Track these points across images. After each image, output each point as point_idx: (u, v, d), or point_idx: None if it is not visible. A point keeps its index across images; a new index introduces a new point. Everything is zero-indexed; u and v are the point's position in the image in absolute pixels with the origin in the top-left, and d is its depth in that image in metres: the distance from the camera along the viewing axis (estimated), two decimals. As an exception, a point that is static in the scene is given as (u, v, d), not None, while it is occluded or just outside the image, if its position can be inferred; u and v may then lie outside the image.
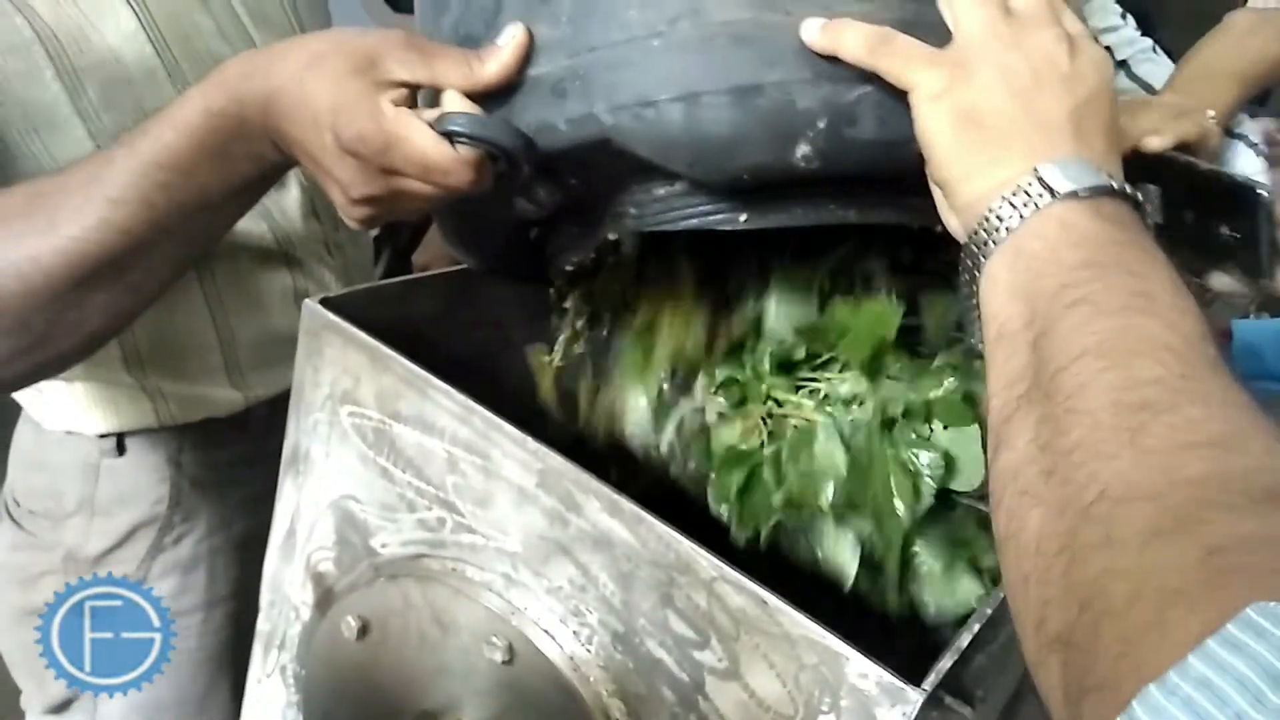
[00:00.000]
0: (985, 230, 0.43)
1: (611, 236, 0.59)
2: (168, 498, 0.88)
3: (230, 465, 0.91)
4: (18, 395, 0.85)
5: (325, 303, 0.62)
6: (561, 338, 0.75)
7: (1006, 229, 0.43)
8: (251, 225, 0.83)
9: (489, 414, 0.55)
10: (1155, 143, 0.83)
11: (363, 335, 0.60)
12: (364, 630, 0.63)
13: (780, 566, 0.68)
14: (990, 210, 0.43)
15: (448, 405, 0.57)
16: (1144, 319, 0.37)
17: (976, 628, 0.49)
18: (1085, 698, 0.30)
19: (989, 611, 0.51)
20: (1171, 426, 0.33)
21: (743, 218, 0.55)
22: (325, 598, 0.67)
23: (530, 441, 0.54)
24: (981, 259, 0.44)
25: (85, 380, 0.82)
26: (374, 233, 2.15)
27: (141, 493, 0.87)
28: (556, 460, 0.53)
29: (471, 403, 0.56)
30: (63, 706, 0.91)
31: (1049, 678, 0.32)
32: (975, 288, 0.45)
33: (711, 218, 0.55)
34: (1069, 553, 0.32)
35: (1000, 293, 0.42)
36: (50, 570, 0.88)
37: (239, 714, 0.93)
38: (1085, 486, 0.33)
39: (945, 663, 0.46)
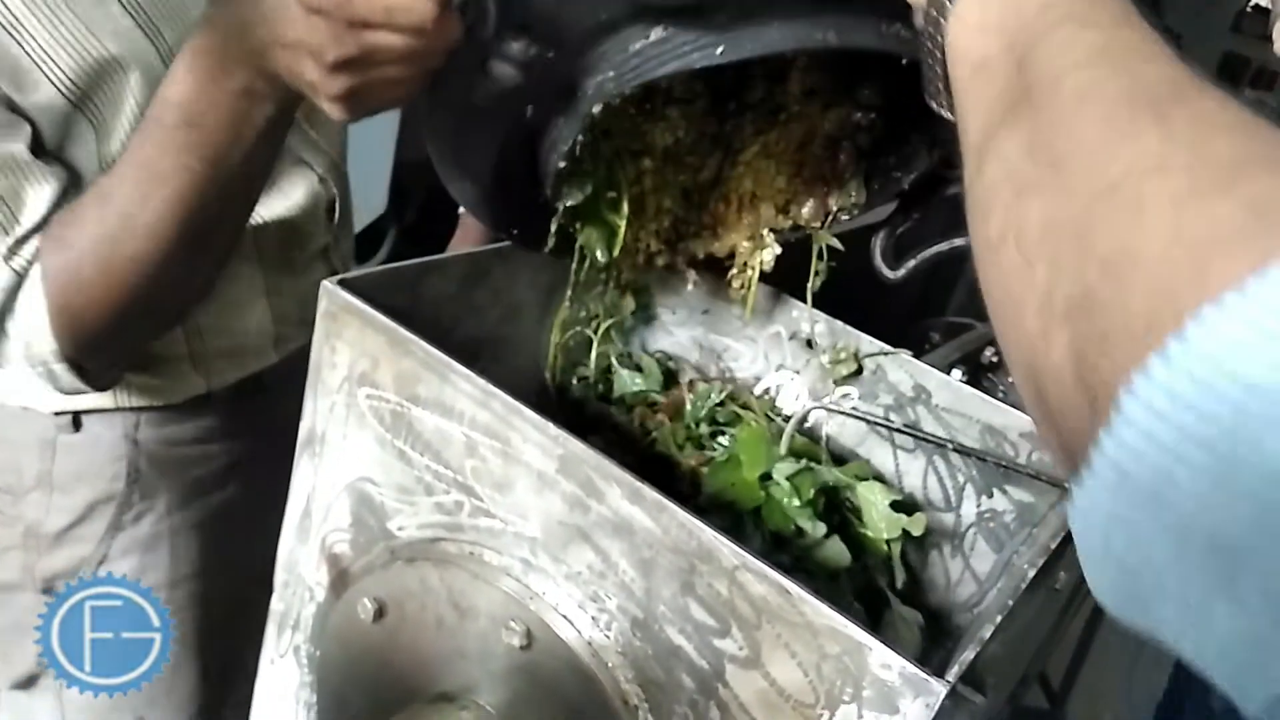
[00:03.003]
0: None
1: (595, 109, 0.59)
2: (125, 475, 0.86)
3: (190, 443, 0.89)
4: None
5: (344, 284, 0.61)
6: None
7: None
8: None
9: (509, 399, 0.55)
10: None
11: (382, 317, 0.59)
12: (380, 612, 0.63)
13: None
14: None
15: (467, 389, 0.56)
16: (1136, 33, 0.36)
17: (999, 618, 0.49)
18: (1107, 352, 0.28)
19: (1011, 603, 0.51)
20: (1194, 113, 0.31)
21: (719, 50, 0.55)
22: (340, 579, 0.67)
23: (551, 427, 0.54)
24: (947, 4, 0.42)
25: None
26: (375, 216, 2.13)
27: (99, 469, 0.86)
28: (577, 446, 0.53)
29: (491, 387, 0.55)
30: (29, 682, 0.89)
31: (1053, 354, 0.31)
32: (939, 40, 0.43)
33: (689, 57, 0.55)
34: (1084, 226, 0.31)
35: (972, 29, 0.41)
36: (12, 546, 0.87)
37: (210, 692, 0.94)
38: (1105, 166, 0.31)
39: (969, 654, 0.46)
